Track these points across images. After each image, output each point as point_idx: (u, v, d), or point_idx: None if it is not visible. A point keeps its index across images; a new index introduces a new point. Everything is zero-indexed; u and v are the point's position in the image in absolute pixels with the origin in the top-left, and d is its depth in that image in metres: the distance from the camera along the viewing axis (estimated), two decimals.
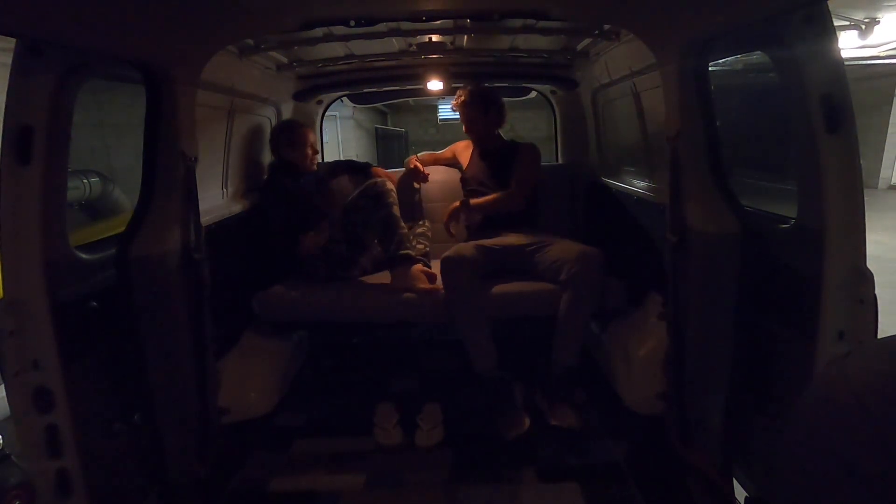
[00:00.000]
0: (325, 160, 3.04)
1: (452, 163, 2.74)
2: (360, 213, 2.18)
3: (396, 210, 2.21)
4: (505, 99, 2.53)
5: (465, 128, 2.48)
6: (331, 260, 2.20)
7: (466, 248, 2.09)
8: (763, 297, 1.42)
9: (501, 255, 2.13)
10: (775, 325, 1.39)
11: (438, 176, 2.78)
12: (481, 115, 2.41)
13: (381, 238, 2.19)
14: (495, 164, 2.42)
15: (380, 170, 2.68)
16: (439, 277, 2.06)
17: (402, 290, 2.09)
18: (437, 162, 2.81)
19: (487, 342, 1.98)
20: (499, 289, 2.05)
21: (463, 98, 2.42)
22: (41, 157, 1.23)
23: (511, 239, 2.20)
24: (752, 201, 1.60)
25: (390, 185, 2.24)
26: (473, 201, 2.28)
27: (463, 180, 2.55)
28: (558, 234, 2.28)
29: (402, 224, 2.22)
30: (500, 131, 2.54)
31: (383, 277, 2.20)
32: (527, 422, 1.90)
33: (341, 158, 3.05)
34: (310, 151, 2.47)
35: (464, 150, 2.66)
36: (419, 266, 2.14)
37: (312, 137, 2.50)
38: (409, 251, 2.15)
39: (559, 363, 1.98)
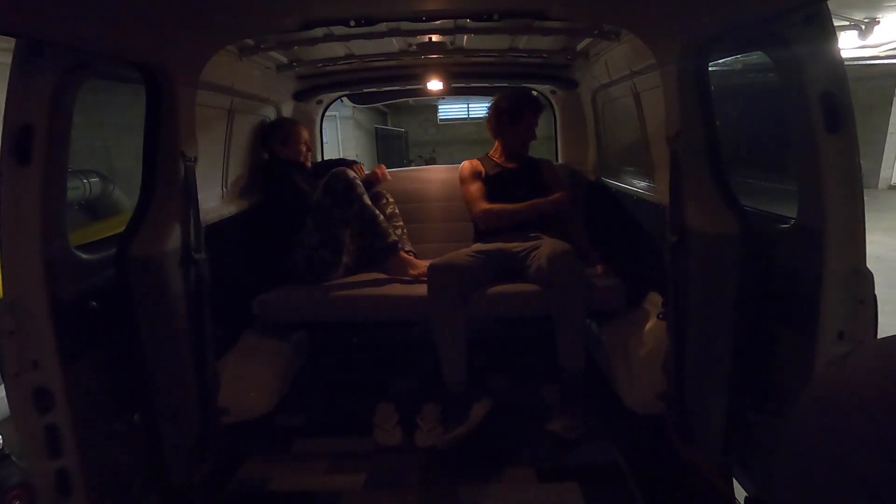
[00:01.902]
0: (324, 160, 3.03)
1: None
2: (330, 213, 2.14)
3: (367, 199, 2.17)
4: None
5: (528, 136, 2.38)
6: (314, 267, 2.19)
7: (458, 256, 2.07)
8: (763, 297, 1.42)
9: (499, 259, 2.12)
10: (775, 325, 1.39)
11: (439, 175, 2.78)
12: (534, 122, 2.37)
13: (361, 233, 2.17)
14: (526, 181, 2.36)
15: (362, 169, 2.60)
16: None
17: (394, 284, 2.12)
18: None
19: (461, 357, 1.94)
20: (507, 290, 2.05)
21: (530, 102, 2.35)
22: (41, 157, 1.22)
23: (509, 243, 2.18)
24: (752, 201, 1.60)
25: (352, 174, 2.17)
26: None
27: (493, 187, 2.35)
28: (556, 233, 2.26)
29: (377, 212, 2.19)
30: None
31: (380, 276, 2.21)
32: (466, 427, 1.85)
33: (339, 158, 3.03)
34: (304, 148, 2.46)
35: (474, 169, 2.46)
36: (405, 254, 2.18)
37: (306, 135, 2.50)
38: (394, 238, 2.17)
39: (564, 369, 1.96)
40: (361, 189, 2.16)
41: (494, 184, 2.36)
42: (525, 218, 2.23)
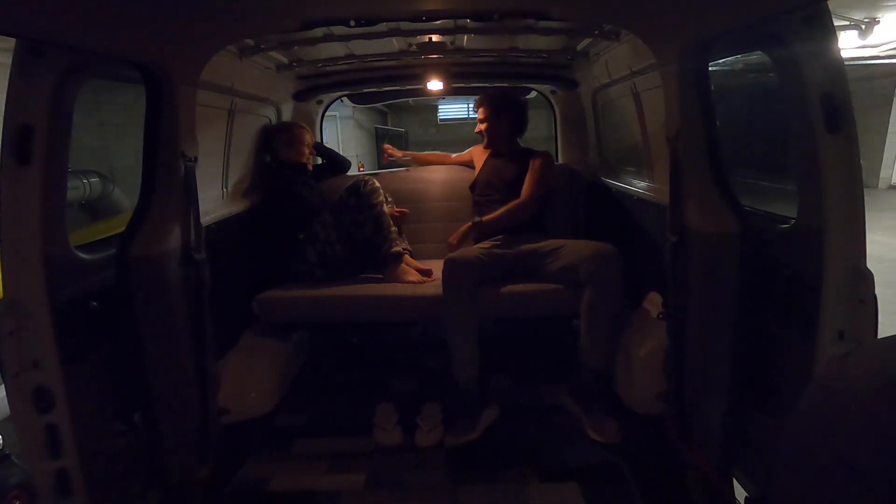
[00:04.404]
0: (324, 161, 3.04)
1: (469, 164, 2.73)
2: (351, 213, 2.22)
3: (385, 208, 2.27)
4: (523, 98, 2.51)
5: (478, 129, 2.46)
6: (327, 262, 2.21)
7: (472, 251, 2.08)
8: (763, 297, 1.42)
9: (511, 261, 2.12)
10: (775, 325, 1.39)
11: (439, 175, 2.78)
12: (496, 120, 2.39)
13: (373, 236, 2.21)
14: (507, 170, 2.39)
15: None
16: (436, 273, 2.07)
17: (394, 284, 2.16)
18: (455, 162, 2.85)
19: (473, 351, 1.94)
20: (509, 289, 2.04)
21: (481, 100, 2.42)
22: (41, 157, 1.22)
23: (521, 244, 2.16)
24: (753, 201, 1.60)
25: (377, 183, 2.27)
26: (485, 218, 2.23)
27: (472, 185, 2.52)
28: (565, 235, 2.27)
29: (391, 222, 2.27)
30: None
31: (380, 276, 2.22)
32: (475, 434, 1.87)
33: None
34: (307, 150, 2.51)
35: (480, 154, 2.63)
36: (409, 261, 2.24)
37: (309, 137, 2.54)
38: (399, 249, 2.21)
39: (588, 366, 1.94)
40: (382, 198, 2.29)
41: (480, 172, 2.51)
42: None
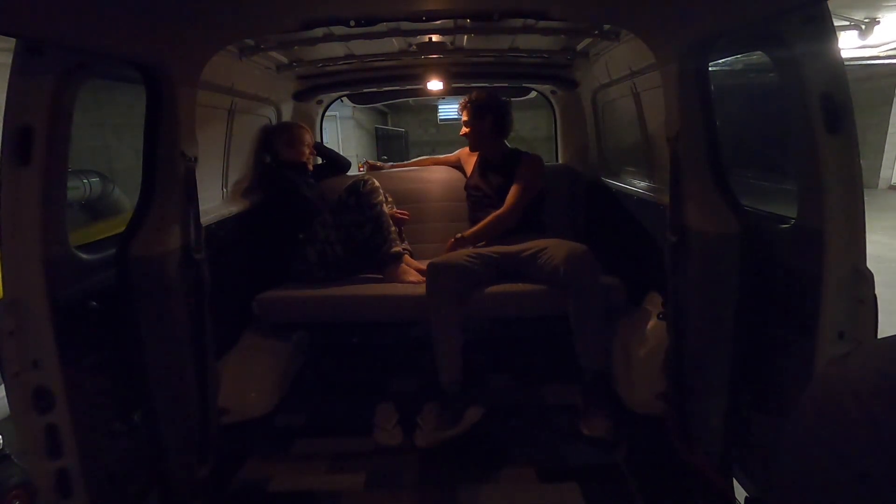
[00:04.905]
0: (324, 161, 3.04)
1: (456, 166, 2.75)
2: (351, 213, 2.22)
3: (385, 208, 2.27)
4: (504, 99, 2.46)
5: (462, 132, 2.44)
6: (327, 262, 2.21)
7: (457, 256, 2.08)
8: (763, 297, 1.42)
9: (499, 262, 2.12)
10: (775, 325, 1.39)
11: (439, 175, 2.78)
12: (477, 122, 2.37)
13: (372, 236, 2.22)
14: (496, 173, 2.39)
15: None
16: None
17: (394, 284, 2.17)
18: (437, 163, 2.85)
19: (457, 356, 1.95)
20: (499, 290, 2.05)
21: (463, 103, 2.41)
22: (41, 157, 1.22)
23: (508, 245, 2.18)
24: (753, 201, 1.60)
25: (377, 183, 2.27)
26: (466, 233, 2.25)
27: (466, 188, 2.53)
28: (556, 234, 2.26)
29: (391, 222, 2.27)
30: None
31: (380, 276, 2.23)
32: (457, 430, 1.87)
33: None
34: (307, 150, 2.52)
35: (469, 156, 2.63)
36: (409, 261, 2.25)
37: (309, 137, 2.55)
38: (399, 249, 2.22)
39: (586, 368, 1.95)
40: (382, 197, 2.29)
41: (471, 176, 2.53)
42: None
